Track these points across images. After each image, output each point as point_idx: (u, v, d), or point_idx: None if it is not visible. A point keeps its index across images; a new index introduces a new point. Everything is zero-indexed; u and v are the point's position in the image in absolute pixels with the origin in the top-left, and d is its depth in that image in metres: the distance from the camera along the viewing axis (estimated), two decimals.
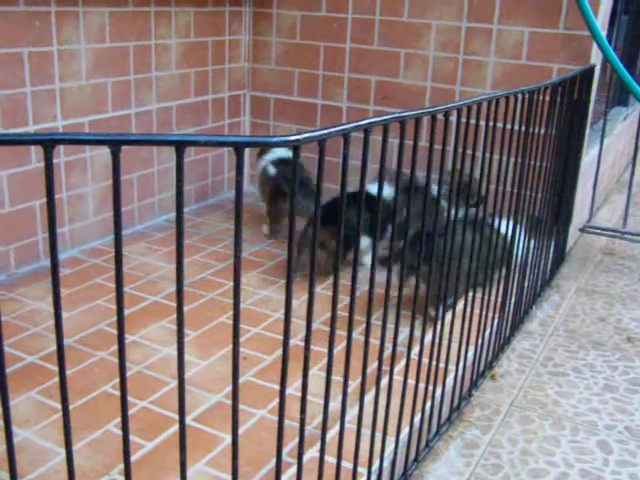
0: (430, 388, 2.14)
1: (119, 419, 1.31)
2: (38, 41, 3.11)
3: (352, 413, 1.90)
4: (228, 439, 2.15)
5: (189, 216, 4.09)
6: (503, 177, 2.35)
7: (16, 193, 3.16)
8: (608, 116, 4.64)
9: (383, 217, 1.76)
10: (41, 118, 3.19)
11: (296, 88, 4.32)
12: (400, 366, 2.22)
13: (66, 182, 3.39)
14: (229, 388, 2.39)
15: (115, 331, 1.21)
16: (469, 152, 2.00)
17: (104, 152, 3.45)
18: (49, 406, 2.27)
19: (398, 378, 1.99)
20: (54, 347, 1.14)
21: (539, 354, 2.96)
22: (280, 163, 3.77)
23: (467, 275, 2.28)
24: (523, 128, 2.41)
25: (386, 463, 1.96)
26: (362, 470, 1.83)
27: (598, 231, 4.41)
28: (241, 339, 2.69)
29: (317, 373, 2.46)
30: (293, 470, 1.88)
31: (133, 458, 2.03)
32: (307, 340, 1.41)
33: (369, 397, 1.87)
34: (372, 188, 2.25)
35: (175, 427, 2.18)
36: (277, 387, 1.40)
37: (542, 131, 2.68)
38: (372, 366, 2.07)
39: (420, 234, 1.83)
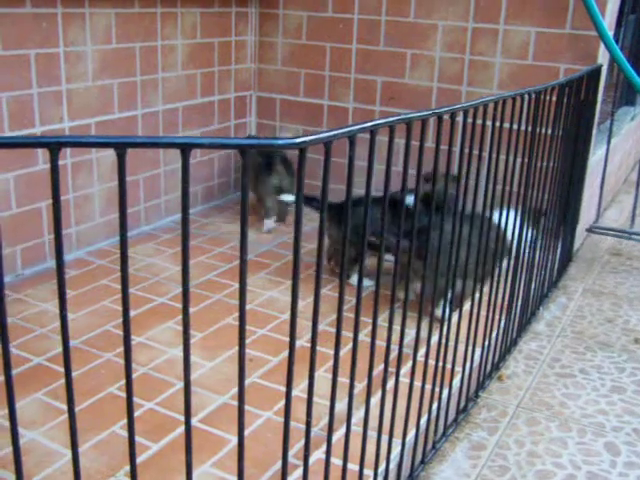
0: (437, 389, 2.14)
1: (125, 420, 1.30)
2: (45, 42, 3.11)
3: (358, 415, 1.89)
4: (234, 441, 2.15)
5: (195, 217, 4.10)
6: (510, 177, 2.34)
7: (22, 194, 3.17)
8: (615, 116, 4.63)
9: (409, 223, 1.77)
10: (48, 119, 3.20)
11: (302, 89, 4.32)
12: (406, 367, 2.21)
13: (72, 183, 3.40)
14: (235, 389, 2.39)
15: (121, 332, 1.21)
16: (475, 152, 1.99)
17: (110, 153, 3.46)
18: (55, 407, 2.27)
19: (404, 380, 1.98)
20: (60, 348, 1.14)
21: (546, 355, 2.95)
22: None
23: (463, 268, 2.21)
24: (530, 129, 2.40)
25: (392, 465, 1.95)
26: (368, 472, 1.82)
27: (605, 231, 4.40)
28: (247, 340, 2.69)
29: (323, 375, 2.46)
30: (299, 472, 1.87)
31: (139, 460, 2.03)
32: (313, 341, 1.41)
33: (375, 399, 1.87)
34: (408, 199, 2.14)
35: (181, 428, 2.18)
36: (283, 388, 1.40)
37: (549, 131, 2.67)
38: (378, 368, 2.06)
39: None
